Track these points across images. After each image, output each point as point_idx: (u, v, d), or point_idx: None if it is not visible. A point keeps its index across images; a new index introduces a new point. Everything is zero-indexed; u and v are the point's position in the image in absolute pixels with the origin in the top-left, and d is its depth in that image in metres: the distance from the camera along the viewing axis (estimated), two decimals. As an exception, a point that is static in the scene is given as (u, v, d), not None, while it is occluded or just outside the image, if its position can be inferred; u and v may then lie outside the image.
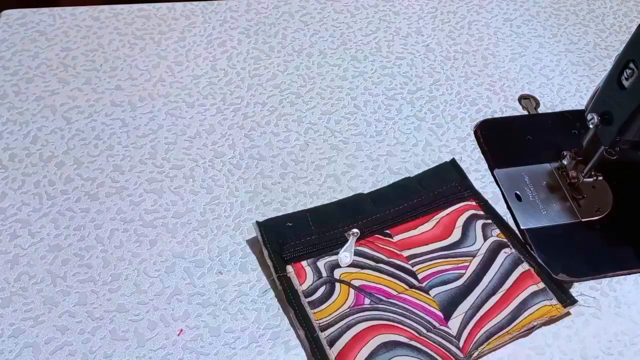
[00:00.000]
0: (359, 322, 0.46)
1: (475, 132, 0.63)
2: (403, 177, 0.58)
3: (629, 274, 0.53)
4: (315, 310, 0.47)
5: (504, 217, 0.56)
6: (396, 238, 0.52)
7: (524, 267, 0.51)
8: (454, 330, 0.47)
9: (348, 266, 0.50)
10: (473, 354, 0.46)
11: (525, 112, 0.66)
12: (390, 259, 0.50)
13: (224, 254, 0.52)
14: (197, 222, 0.54)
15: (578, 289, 0.52)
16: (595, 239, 0.56)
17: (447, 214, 0.54)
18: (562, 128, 0.64)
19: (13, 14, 0.70)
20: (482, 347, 0.47)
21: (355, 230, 0.51)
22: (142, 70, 0.66)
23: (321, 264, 0.50)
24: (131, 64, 0.66)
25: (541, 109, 0.67)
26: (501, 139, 0.63)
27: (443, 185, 0.56)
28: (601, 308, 0.51)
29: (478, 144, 0.62)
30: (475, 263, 0.51)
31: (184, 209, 0.55)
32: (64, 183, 0.56)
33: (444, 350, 0.46)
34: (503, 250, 0.52)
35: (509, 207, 0.57)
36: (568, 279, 0.52)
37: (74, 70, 0.65)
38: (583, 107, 0.62)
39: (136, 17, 0.72)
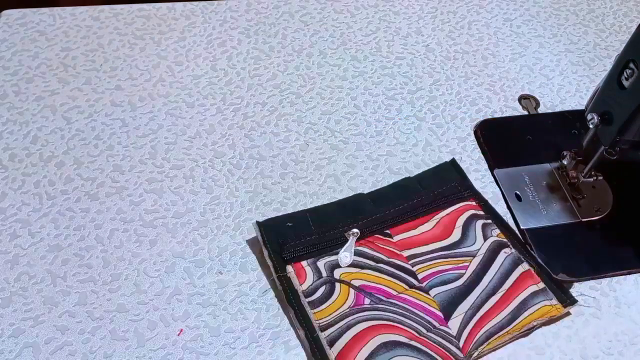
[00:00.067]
0: (359, 322, 0.46)
1: (475, 132, 0.63)
2: (403, 177, 0.58)
3: (629, 274, 0.53)
4: (315, 310, 0.47)
5: (504, 217, 0.56)
6: (396, 238, 0.52)
7: (524, 267, 0.51)
8: (454, 330, 0.47)
9: (348, 266, 0.50)
10: (473, 354, 0.46)
11: (525, 112, 0.66)
12: (390, 259, 0.50)
13: (224, 254, 0.52)
14: (197, 222, 0.54)
15: (578, 289, 0.52)
16: (595, 239, 0.56)
17: (447, 214, 0.54)
18: (562, 128, 0.64)
19: (13, 14, 0.70)
20: (482, 347, 0.47)
21: (355, 230, 0.51)
22: (142, 70, 0.66)
23: (321, 264, 0.50)
24: (131, 64, 0.66)
25: (541, 109, 0.67)
26: (501, 139, 0.63)
27: (443, 185, 0.56)
28: (601, 308, 0.51)
29: (478, 144, 0.62)
30: (475, 263, 0.51)
31: (184, 209, 0.55)
32: (64, 183, 0.56)
33: (444, 350, 0.46)
34: (503, 250, 0.52)
35: (509, 207, 0.57)
36: (568, 279, 0.52)
37: (74, 70, 0.65)
38: (583, 107, 0.62)
39: (136, 17, 0.72)
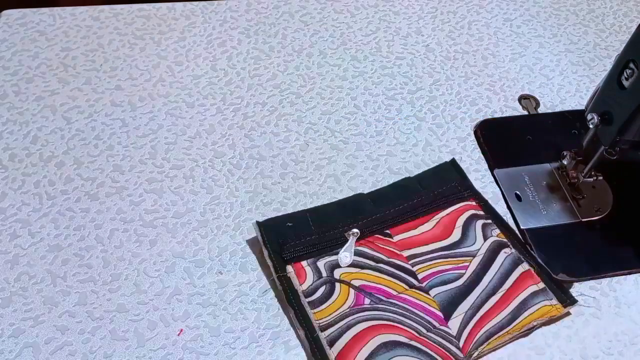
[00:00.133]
0: (359, 322, 0.46)
1: (475, 132, 0.63)
2: (403, 177, 0.58)
3: (629, 274, 0.53)
4: (315, 310, 0.47)
5: (504, 217, 0.55)
6: (396, 238, 0.52)
7: (524, 267, 0.51)
8: (454, 330, 0.47)
9: (348, 266, 0.50)
10: (473, 354, 0.46)
11: (525, 112, 0.66)
12: (390, 259, 0.50)
13: (224, 254, 0.52)
14: (197, 222, 0.54)
15: (578, 289, 0.52)
16: (595, 239, 0.56)
17: (447, 214, 0.54)
18: (562, 128, 0.64)
19: (13, 14, 0.70)
20: (482, 347, 0.47)
21: (355, 230, 0.51)
22: (142, 70, 0.66)
23: (321, 264, 0.50)
24: (131, 64, 0.66)
25: (541, 109, 0.67)
26: (501, 139, 0.63)
27: (443, 185, 0.56)
28: (601, 308, 0.51)
29: (478, 144, 0.62)
30: (475, 263, 0.51)
31: (184, 209, 0.55)
32: (64, 183, 0.56)
33: (444, 350, 0.46)
34: (503, 250, 0.52)
35: (509, 207, 0.57)
36: (568, 279, 0.52)
37: (74, 70, 0.65)
38: (583, 107, 0.62)
39: (136, 17, 0.72)
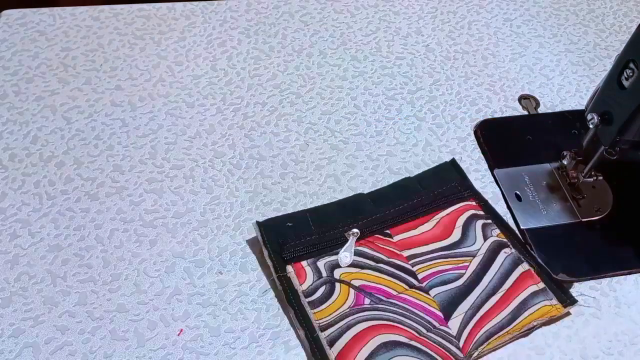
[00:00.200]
0: (359, 322, 0.46)
1: (475, 132, 0.63)
2: (403, 177, 0.58)
3: (629, 274, 0.53)
4: (315, 310, 0.47)
5: (504, 217, 0.55)
6: (396, 238, 0.52)
7: (524, 267, 0.51)
8: (454, 330, 0.47)
9: (348, 266, 0.50)
10: (473, 354, 0.46)
11: (525, 112, 0.66)
12: (390, 259, 0.50)
13: (224, 254, 0.52)
14: (197, 222, 0.54)
15: (578, 289, 0.52)
16: (595, 239, 0.56)
17: (447, 214, 0.54)
18: (562, 128, 0.64)
19: (13, 14, 0.70)
20: (482, 347, 0.47)
21: (355, 230, 0.51)
22: (142, 70, 0.66)
23: (321, 264, 0.50)
24: (131, 64, 0.66)
25: (541, 109, 0.67)
26: (501, 139, 0.63)
27: (443, 185, 0.56)
28: (601, 308, 0.51)
29: (478, 144, 0.62)
30: (475, 263, 0.51)
31: (184, 209, 0.55)
32: (64, 183, 0.56)
33: (444, 350, 0.46)
34: (503, 250, 0.52)
35: (509, 207, 0.57)
36: (568, 279, 0.52)
37: (74, 70, 0.65)
38: (583, 107, 0.62)
39: (136, 17, 0.72)
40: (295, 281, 0.49)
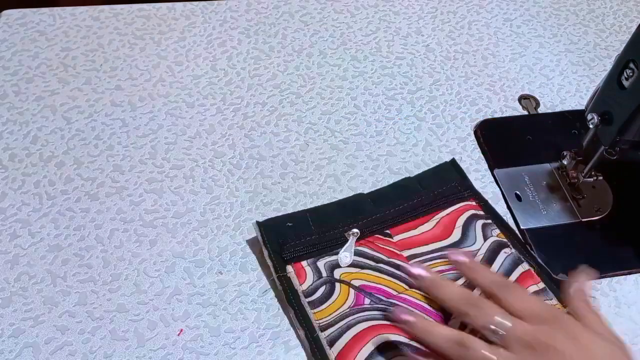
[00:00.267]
0: (359, 322, 0.46)
1: (475, 132, 0.63)
2: (403, 177, 0.58)
3: (629, 274, 0.53)
4: (315, 310, 0.47)
5: (504, 217, 0.55)
6: (396, 238, 0.52)
7: (524, 267, 0.51)
8: None
9: (348, 266, 0.50)
10: None
11: (525, 112, 0.66)
12: (390, 259, 0.50)
13: (224, 254, 0.52)
14: (197, 222, 0.54)
15: (578, 289, 0.52)
16: (595, 239, 0.56)
17: (447, 214, 0.54)
18: (562, 128, 0.64)
19: (13, 14, 0.70)
20: None
21: (355, 230, 0.51)
22: (142, 70, 0.66)
23: (321, 264, 0.50)
24: (131, 64, 0.66)
25: (541, 109, 0.67)
26: (501, 139, 0.63)
27: (443, 185, 0.56)
28: (601, 308, 0.51)
29: (478, 144, 0.62)
30: None
31: (184, 209, 0.55)
32: (64, 183, 0.56)
33: None
34: (503, 251, 0.52)
35: (509, 207, 0.57)
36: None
37: (74, 70, 0.65)
38: (583, 107, 0.62)
39: (136, 17, 0.72)
40: (295, 281, 0.49)
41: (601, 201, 0.58)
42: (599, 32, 0.76)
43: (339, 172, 0.59)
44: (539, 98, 0.68)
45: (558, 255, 0.53)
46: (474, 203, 0.55)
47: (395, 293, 0.48)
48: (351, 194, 0.57)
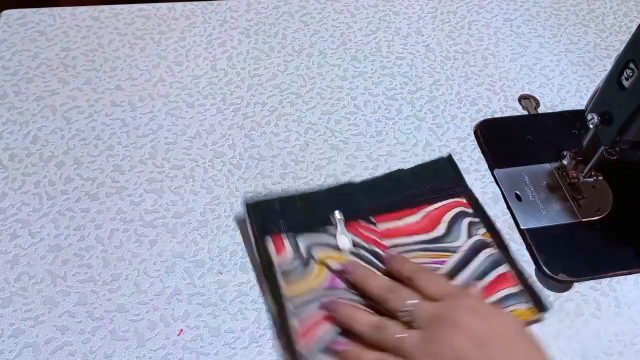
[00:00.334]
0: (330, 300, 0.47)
1: (475, 132, 0.63)
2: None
3: (629, 274, 0.53)
4: (288, 281, 0.47)
5: (504, 217, 0.55)
6: (381, 226, 0.52)
7: (503, 269, 0.51)
8: None
9: (327, 248, 0.50)
10: None
11: (525, 112, 0.66)
12: (370, 246, 0.50)
13: (224, 254, 0.52)
14: (197, 222, 0.54)
15: (578, 289, 0.52)
16: (595, 239, 0.56)
17: (436, 209, 0.54)
18: (562, 128, 0.64)
19: (13, 14, 0.70)
20: None
21: (337, 212, 0.51)
22: (142, 70, 0.66)
23: (301, 240, 0.50)
24: (131, 64, 0.66)
25: (541, 109, 0.67)
26: (501, 139, 0.63)
27: (436, 180, 0.56)
28: (601, 308, 0.51)
29: (478, 144, 0.62)
30: (454, 259, 0.50)
31: (184, 209, 0.55)
32: (64, 183, 0.56)
33: None
34: (484, 250, 0.51)
35: (509, 207, 0.57)
36: (568, 279, 0.52)
37: (74, 70, 0.65)
38: (583, 107, 0.62)
39: (136, 17, 0.72)
40: (272, 251, 0.49)
41: (601, 201, 0.58)
42: (599, 32, 0.76)
43: (339, 172, 0.59)
44: (539, 98, 0.68)
45: (558, 255, 0.53)
46: (464, 200, 0.55)
47: None
48: (351, 194, 0.57)
